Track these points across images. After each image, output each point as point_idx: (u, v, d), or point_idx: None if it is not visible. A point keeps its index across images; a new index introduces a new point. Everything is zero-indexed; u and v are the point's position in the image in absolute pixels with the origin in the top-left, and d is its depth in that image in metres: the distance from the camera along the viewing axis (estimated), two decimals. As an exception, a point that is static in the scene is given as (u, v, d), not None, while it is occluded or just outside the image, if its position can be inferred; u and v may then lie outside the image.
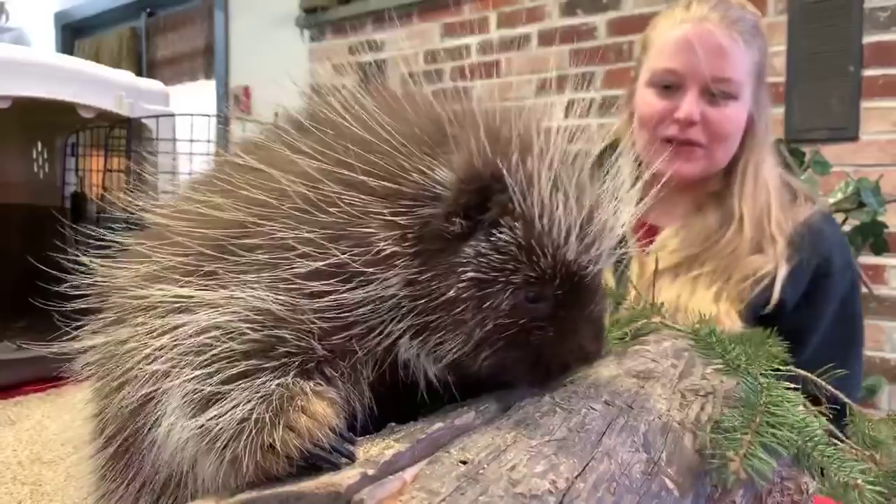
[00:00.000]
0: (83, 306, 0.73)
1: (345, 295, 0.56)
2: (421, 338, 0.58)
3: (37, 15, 6.91)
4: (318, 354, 0.56)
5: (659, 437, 0.64)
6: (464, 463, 0.50)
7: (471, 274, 0.57)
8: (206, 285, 0.57)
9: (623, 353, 0.86)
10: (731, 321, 1.22)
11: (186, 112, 1.84)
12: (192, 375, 0.55)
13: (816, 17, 2.69)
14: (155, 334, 0.58)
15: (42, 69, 1.63)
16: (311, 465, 0.50)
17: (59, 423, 1.42)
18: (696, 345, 0.82)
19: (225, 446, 0.52)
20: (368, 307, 0.57)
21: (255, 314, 0.55)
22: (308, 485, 0.46)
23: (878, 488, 0.64)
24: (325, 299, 0.56)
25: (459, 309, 0.58)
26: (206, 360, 0.55)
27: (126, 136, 1.88)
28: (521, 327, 0.60)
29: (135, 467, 0.65)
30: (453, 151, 0.58)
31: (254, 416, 0.52)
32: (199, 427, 0.53)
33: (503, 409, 0.65)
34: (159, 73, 5.99)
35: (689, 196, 1.39)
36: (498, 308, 0.58)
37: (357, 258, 0.56)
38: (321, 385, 0.55)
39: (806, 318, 1.29)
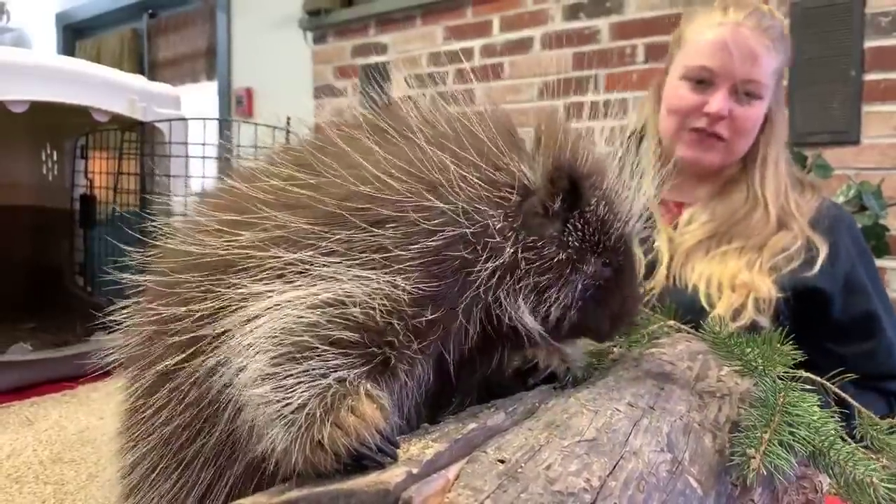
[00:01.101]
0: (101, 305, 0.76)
1: (481, 261, 0.65)
2: (534, 296, 0.69)
3: (38, 15, 6.92)
4: (402, 349, 0.61)
5: (681, 438, 0.66)
6: (501, 462, 0.52)
7: (573, 241, 0.70)
8: (327, 260, 0.62)
9: (641, 356, 0.89)
10: (766, 287, 1.31)
11: (197, 116, 1.86)
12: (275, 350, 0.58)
13: (818, 21, 2.72)
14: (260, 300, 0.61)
15: (57, 73, 1.65)
16: (358, 463, 0.52)
17: (78, 423, 1.44)
18: (714, 346, 0.84)
19: (279, 435, 0.55)
20: (493, 272, 0.66)
21: (370, 298, 0.60)
22: (358, 482, 0.48)
23: (892, 485, 0.67)
24: (452, 273, 0.64)
25: (567, 270, 0.70)
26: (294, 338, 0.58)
27: (138, 139, 1.90)
28: (598, 287, 0.73)
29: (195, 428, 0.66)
30: (534, 152, 0.71)
31: (306, 409, 0.55)
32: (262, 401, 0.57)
33: (530, 410, 0.68)
34: (161, 75, 6.00)
35: (710, 181, 1.52)
36: (587, 271, 0.71)
37: (489, 228, 0.65)
38: (376, 388, 0.58)
39: (856, 303, 1.40)
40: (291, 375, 0.56)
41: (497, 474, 0.50)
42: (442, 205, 0.64)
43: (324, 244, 0.63)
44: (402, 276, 0.61)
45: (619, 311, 0.75)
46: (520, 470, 0.51)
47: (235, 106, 5.11)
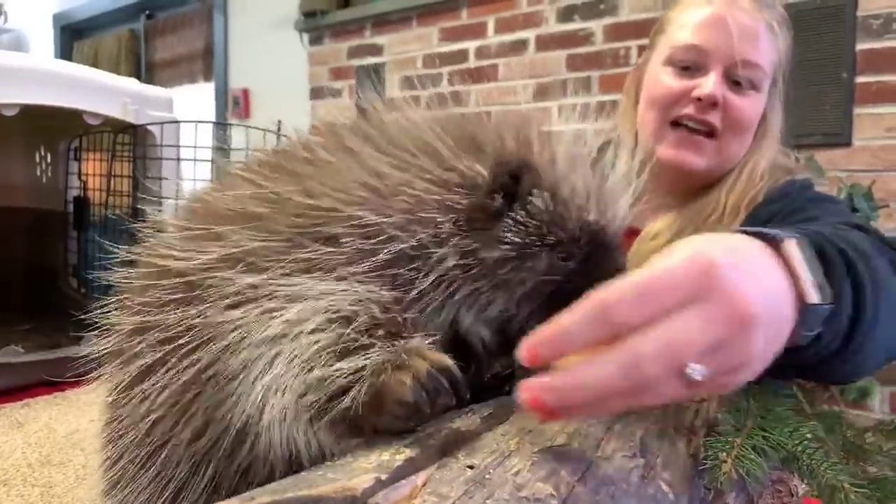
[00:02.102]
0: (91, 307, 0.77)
1: (422, 275, 0.65)
2: (476, 302, 0.68)
3: (36, 16, 6.92)
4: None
5: (655, 443, 0.67)
6: (471, 468, 0.53)
7: (512, 238, 0.67)
8: (305, 274, 0.64)
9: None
10: None
11: (189, 118, 1.87)
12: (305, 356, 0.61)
13: (810, 24, 2.73)
14: (252, 315, 0.63)
15: (49, 77, 1.66)
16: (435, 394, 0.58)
17: (67, 425, 1.45)
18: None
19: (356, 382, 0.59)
20: (437, 283, 0.66)
21: (355, 305, 0.63)
22: (326, 489, 0.48)
23: (864, 491, 0.68)
24: (405, 284, 0.65)
25: (505, 270, 0.67)
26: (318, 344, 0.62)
27: (130, 141, 1.91)
28: (556, 283, 0.68)
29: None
30: (485, 151, 0.70)
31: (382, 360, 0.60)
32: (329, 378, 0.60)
33: (506, 415, 0.68)
34: (158, 76, 6.01)
35: (686, 188, 1.30)
36: (536, 268, 0.68)
37: (429, 238, 0.66)
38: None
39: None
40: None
41: (465, 480, 0.50)
42: (381, 220, 0.65)
43: (284, 265, 0.64)
44: (367, 285, 0.63)
45: None
46: (488, 476, 0.51)
47: (232, 107, 5.12)
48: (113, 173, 2.07)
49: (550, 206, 0.68)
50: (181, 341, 0.66)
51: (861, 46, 2.66)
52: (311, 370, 0.61)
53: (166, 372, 0.67)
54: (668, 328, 0.51)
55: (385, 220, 0.65)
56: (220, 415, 0.65)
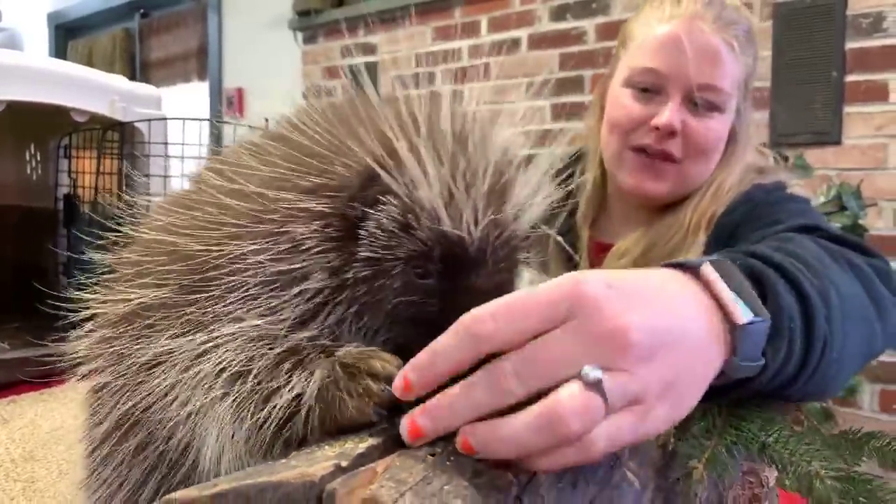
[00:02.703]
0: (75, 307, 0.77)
1: (293, 298, 0.61)
2: (347, 324, 0.63)
3: (30, 15, 6.91)
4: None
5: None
6: (432, 455, 0.53)
7: (364, 253, 0.61)
8: (190, 330, 0.62)
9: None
10: None
11: (178, 116, 1.87)
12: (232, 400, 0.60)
13: (800, 23, 2.74)
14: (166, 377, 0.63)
15: (36, 74, 1.66)
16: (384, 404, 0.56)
17: (52, 421, 1.45)
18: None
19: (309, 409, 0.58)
20: (313, 305, 0.61)
21: (255, 341, 0.60)
22: (286, 475, 0.49)
23: (839, 478, 0.68)
24: (284, 308, 0.61)
25: (362, 290, 0.61)
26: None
27: (118, 139, 1.91)
28: (417, 305, 0.61)
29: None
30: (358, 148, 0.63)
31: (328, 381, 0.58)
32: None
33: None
34: (152, 75, 6.01)
35: (644, 212, 1.27)
36: (392, 286, 0.61)
37: (292, 256, 0.61)
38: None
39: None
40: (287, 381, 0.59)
41: (424, 467, 0.50)
42: (246, 247, 0.62)
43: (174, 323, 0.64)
44: (253, 320, 0.61)
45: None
46: (448, 462, 0.52)
47: (226, 106, 5.12)
48: (102, 171, 2.07)
49: (399, 214, 0.60)
50: (119, 381, 0.67)
51: (850, 45, 2.68)
52: (242, 421, 0.60)
53: (112, 394, 0.68)
54: (531, 344, 0.50)
55: (250, 244, 0.61)
56: (159, 437, 0.65)
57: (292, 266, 0.61)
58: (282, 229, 0.62)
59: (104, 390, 0.71)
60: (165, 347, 0.63)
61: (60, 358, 0.80)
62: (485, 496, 0.49)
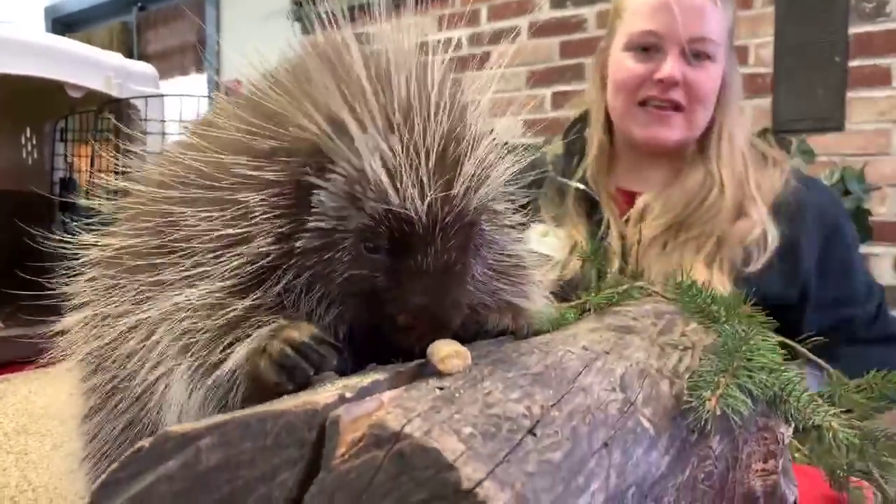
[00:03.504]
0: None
1: (236, 261, 0.60)
2: (297, 293, 0.61)
3: (27, 9, 6.88)
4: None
5: (636, 381, 0.65)
6: (440, 389, 0.50)
7: (314, 223, 0.59)
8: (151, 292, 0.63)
9: (604, 312, 0.88)
10: (723, 289, 1.21)
11: (182, 111, 1.85)
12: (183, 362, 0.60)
13: (803, 8, 2.72)
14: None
15: (31, 47, 1.63)
16: (293, 371, 0.54)
17: (45, 398, 1.42)
18: (679, 298, 0.83)
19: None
20: (259, 273, 0.61)
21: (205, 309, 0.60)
22: (287, 404, 0.46)
23: (853, 431, 0.66)
24: (227, 274, 0.60)
25: (312, 260, 0.60)
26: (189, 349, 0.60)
27: (114, 117, 1.88)
28: (366, 279, 0.59)
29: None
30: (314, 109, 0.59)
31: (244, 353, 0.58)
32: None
33: (480, 355, 0.66)
34: (150, 68, 5.98)
35: (665, 163, 1.40)
36: (343, 259, 0.59)
37: (241, 222, 0.60)
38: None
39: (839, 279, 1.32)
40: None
41: (433, 398, 0.48)
42: (199, 214, 0.61)
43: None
44: (193, 288, 0.61)
45: (393, 308, 0.58)
46: (458, 395, 0.49)
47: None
48: (97, 152, 2.04)
49: (348, 184, 0.57)
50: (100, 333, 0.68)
51: (854, 30, 2.66)
52: (194, 391, 0.60)
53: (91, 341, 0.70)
54: None
55: (202, 211, 0.61)
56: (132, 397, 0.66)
57: (237, 231, 0.60)
58: (233, 196, 0.60)
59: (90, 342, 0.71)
60: (129, 308, 0.64)
61: (54, 337, 0.79)
62: (496, 425, 0.47)
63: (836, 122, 2.66)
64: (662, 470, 0.60)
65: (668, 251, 1.29)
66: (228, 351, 0.58)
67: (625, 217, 1.37)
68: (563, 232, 1.34)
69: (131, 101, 1.78)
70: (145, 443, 0.48)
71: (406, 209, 0.56)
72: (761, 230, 1.28)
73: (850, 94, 2.66)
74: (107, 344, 0.67)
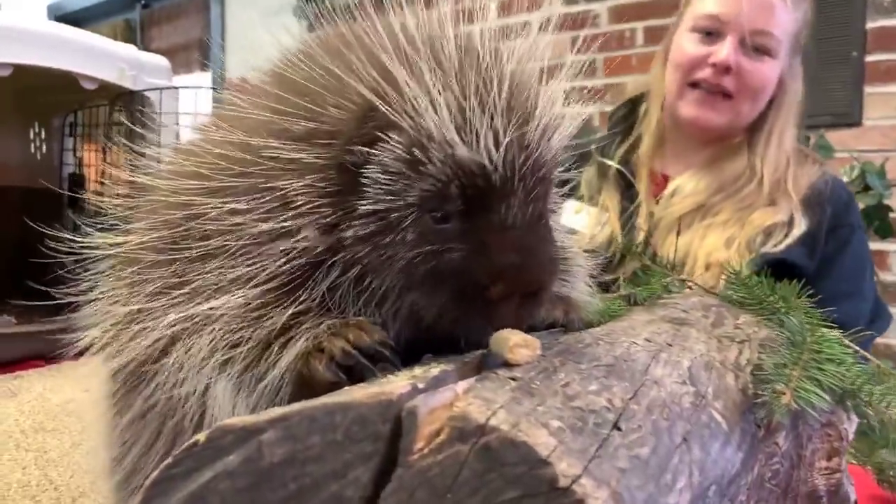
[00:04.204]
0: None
1: (279, 261, 0.55)
2: (343, 290, 0.56)
3: (30, 6, 6.85)
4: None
5: (703, 373, 0.62)
6: (514, 380, 0.47)
7: (366, 207, 0.53)
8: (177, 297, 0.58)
9: (652, 304, 0.85)
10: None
11: (187, 108, 1.82)
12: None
13: (820, 2, 2.67)
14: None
15: (44, 38, 1.60)
16: (352, 371, 0.50)
17: (62, 394, 1.39)
18: (734, 288, 0.80)
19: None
20: (299, 269, 0.56)
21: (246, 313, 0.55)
22: (356, 395, 0.43)
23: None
24: (270, 276, 0.55)
25: (365, 250, 0.54)
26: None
27: (127, 110, 1.85)
28: (437, 255, 0.53)
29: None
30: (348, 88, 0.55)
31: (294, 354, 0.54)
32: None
33: (544, 346, 0.63)
34: (154, 66, 5.95)
35: (706, 149, 1.40)
36: (405, 239, 0.53)
37: (280, 214, 0.55)
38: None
39: (822, 276, 1.29)
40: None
41: (510, 389, 0.45)
42: (229, 205, 0.56)
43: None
44: (232, 294, 0.56)
45: (480, 277, 0.52)
46: (534, 386, 0.46)
47: (229, 96, 5.06)
48: (109, 147, 2.01)
49: (404, 150, 0.52)
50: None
51: (871, 24, 2.63)
52: (239, 399, 0.56)
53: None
54: None
55: (233, 202, 0.56)
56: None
57: (277, 225, 0.55)
58: (269, 184, 0.55)
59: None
60: (155, 309, 0.59)
61: (67, 334, 0.75)
62: (581, 418, 0.44)
63: (853, 118, 2.63)
64: (737, 467, 0.57)
65: (690, 231, 1.30)
66: (276, 358, 0.54)
67: (657, 197, 1.39)
68: (595, 210, 1.35)
69: (145, 93, 1.74)
70: (201, 437, 0.45)
71: (480, 158, 0.51)
72: (786, 217, 1.28)
73: (867, 89, 2.63)
74: (138, 349, 0.61)
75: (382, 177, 0.53)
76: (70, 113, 2.28)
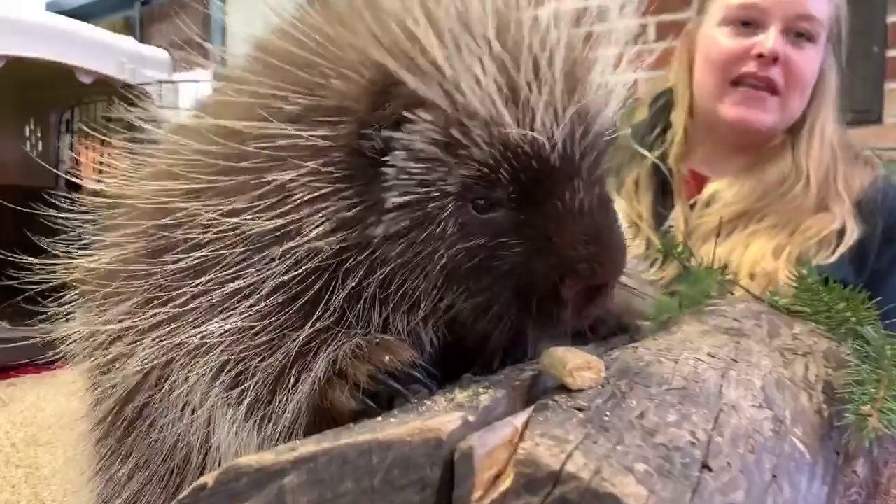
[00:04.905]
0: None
1: (292, 271, 0.47)
2: (381, 297, 0.47)
3: (29, 4, 6.78)
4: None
5: (777, 393, 0.55)
6: (580, 410, 0.40)
7: (396, 199, 0.45)
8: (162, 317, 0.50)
9: (699, 311, 0.77)
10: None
11: (186, 106, 1.74)
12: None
13: (839, -4, 2.61)
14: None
15: (40, 29, 1.53)
16: (377, 396, 0.43)
17: (57, 405, 1.32)
18: (797, 294, 0.72)
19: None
20: (314, 276, 0.47)
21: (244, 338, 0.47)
22: (397, 431, 0.36)
23: None
24: (275, 288, 0.47)
25: (398, 249, 0.46)
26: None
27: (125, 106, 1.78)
28: (488, 251, 0.45)
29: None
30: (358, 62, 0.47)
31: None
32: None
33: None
34: (154, 63, 5.88)
35: (745, 152, 1.28)
36: (445, 234, 0.45)
37: (276, 210, 0.46)
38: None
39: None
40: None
41: (579, 422, 0.38)
42: (219, 207, 0.47)
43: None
44: (230, 315, 0.48)
45: (546, 274, 0.45)
46: (606, 418, 0.39)
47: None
48: (107, 144, 1.94)
49: (440, 130, 0.44)
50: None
51: (892, 19, 2.55)
52: (251, 432, 0.48)
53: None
54: None
55: (223, 203, 0.47)
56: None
57: (277, 223, 0.46)
58: (262, 178, 0.47)
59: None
60: (141, 329, 0.51)
61: (62, 339, 0.68)
62: (667, 458, 0.36)
63: (873, 115, 2.55)
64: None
65: (732, 238, 1.19)
66: (290, 394, 0.46)
67: (692, 201, 1.28)
68: (624, 203, 1.25)
69: (144, 87, 1.67)
70: (209, 478, 0.38)
71: (537, 138, 0.43)
72: (840, 226, 1.16)
73: (888, 86, 2.55)
74: (120, 376, 0.54)
75: (413, 165, 0.45)
76: (67, 109, 2.21)
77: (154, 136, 0.65)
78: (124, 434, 0.55)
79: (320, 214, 0.46)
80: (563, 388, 0.44)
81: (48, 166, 2.31)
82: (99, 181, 0.62)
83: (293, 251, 0.46)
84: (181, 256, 0.49)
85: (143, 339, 0.50)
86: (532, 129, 0.44)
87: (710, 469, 0.38)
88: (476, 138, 0.44)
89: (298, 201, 0.46)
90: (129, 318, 0.52)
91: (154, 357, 0.50)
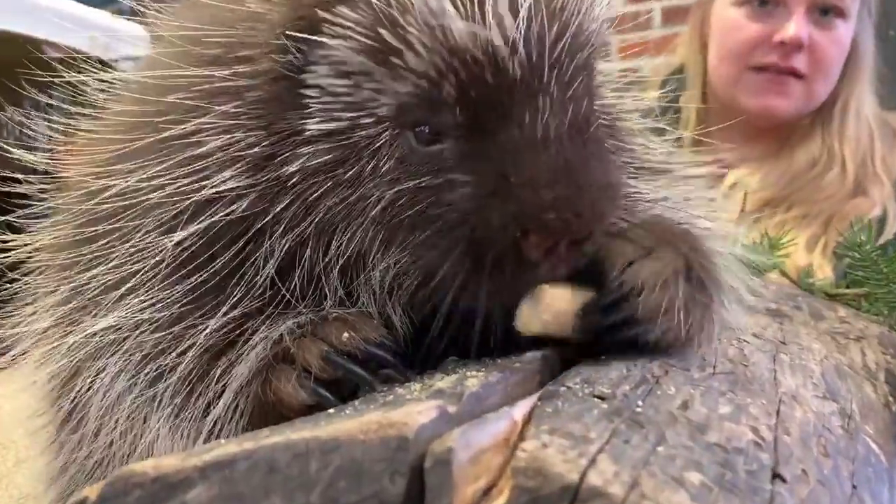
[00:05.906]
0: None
1: (204, 231, 0.38)
2: (324, 263, 0.38)
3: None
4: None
5: (839, 382, 0.45)
6: (601, 398, 0.29)
7: (315, 126, 0.36)
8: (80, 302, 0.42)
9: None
10: (823, 274, 1.00)
11: None
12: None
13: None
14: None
15: (5, 1, 1.42)
16: (339, 385, 0.34)
17: (15, 402, 1.21)
18: (858, 262, 0.62)
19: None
20: (236, 240, 0.38)
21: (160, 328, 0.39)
22: (345, 426, 0.25)
23: None
24: (193, 264, 0.39)
25: (322, 190, 0.36)
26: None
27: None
28: (431, 194, 0.35)
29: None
30: None
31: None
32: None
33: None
34: (147, 57, 5.82)
35: (767, 137, 1.19)
36: (378, 171, 0.35)
37: (187, 167, 0.38)
38: None
39: None
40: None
41: (602, 415, 0.27)
42: (137, 174, 0.38)
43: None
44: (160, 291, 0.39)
45: (500, 220, 0.33)
46: (638, 409, 0.28)
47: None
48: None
49: (369, 37, 0.34)
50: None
51: (909, 1, 2.45)
52: (178, 416, 0.39)
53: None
54: None
55: (139, 168, 0.38)
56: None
57: (183, 181, 0.37)
58: (171, 132, 0.38)
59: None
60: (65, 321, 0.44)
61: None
62: (727, 464, 0.26)
63: (891, 102, 2.45)
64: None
65: (759, 228, 1.08)
66: (219, 387, 0.37)
67: (714, 186, 1.17)
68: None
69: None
70: (90, 492, 0.27)
71: (491, 38, 0.32)
72: (881, 211, 1.07)
73: (904, 71, 2.45)
74: (58, 368, 0.46)
75: (337, 82, 0.35)
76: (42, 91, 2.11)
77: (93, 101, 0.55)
78: (57, 433, 0.52)
79: (228, 159, 0.37)
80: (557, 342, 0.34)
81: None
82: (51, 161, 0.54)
83: (198, 215, 0.37)
84: (90, 236, 0.41)
85: (68, 332, 0.44)
86: (484, 26, 0.32)
87: (783, 479, 0.27)
88: (412, 40, 0.33)
89: (206, 151, 0.37)
90: (59, 310, 0.45)
91: (67, 356, 0.44)
